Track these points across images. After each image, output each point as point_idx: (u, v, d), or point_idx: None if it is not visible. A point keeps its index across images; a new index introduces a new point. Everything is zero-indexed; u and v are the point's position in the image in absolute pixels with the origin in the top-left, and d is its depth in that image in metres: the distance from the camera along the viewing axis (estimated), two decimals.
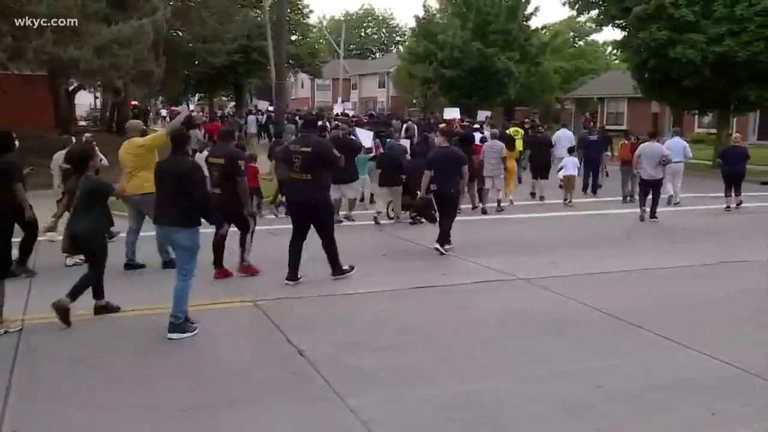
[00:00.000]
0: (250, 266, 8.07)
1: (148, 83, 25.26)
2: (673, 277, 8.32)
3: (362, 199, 13.37)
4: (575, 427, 4.33)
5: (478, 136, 15.40)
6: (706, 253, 9.54)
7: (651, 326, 6.15)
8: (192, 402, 4.64)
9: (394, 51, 72.54)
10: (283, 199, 11.13)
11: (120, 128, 27.96)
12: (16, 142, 7.61)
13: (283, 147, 9.31)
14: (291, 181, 7.84)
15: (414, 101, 50.07)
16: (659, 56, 21.32)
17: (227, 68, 33.33)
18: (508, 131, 17.31)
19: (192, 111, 43.44)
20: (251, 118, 29.64)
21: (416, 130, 18.22)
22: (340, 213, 11.74)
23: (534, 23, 39.23)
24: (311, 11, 67.08)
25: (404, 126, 20.50)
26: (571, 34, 61.02)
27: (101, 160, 8.78)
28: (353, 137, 12.88)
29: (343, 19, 78.29)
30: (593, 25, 32.33)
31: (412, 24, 41.68)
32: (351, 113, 32.83)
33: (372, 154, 13.24)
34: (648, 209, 12.43)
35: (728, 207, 14.00)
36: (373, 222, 11.82)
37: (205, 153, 11.12)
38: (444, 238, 9.43)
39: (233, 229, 7.54)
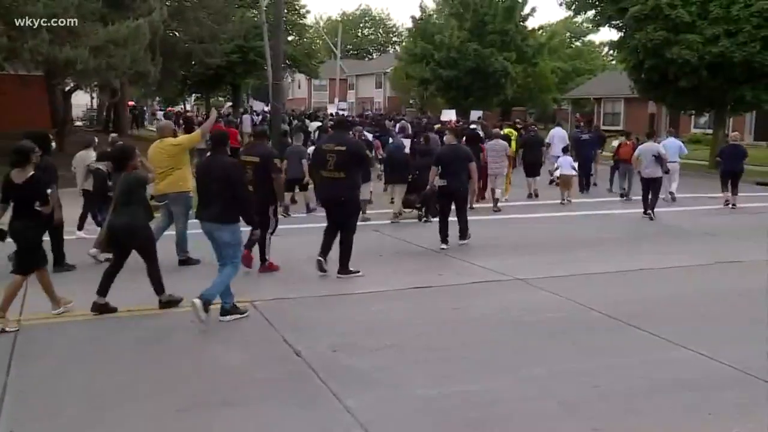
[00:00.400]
0: (271, 264, 8.26)
1: (144, 84, 25.22)
2: (671, 277, 8.33)
3: (371, 201, 13.48)
4: (572, 427, 4.34)
5: None
6: (704, 253, 9.56)
7: (648, 326, 6.16)
8: (190, 402, 4.64)
9: (391, 51, 72.55)
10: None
11: (116, 128, 27.97)
12: (53, 144, 7.74)
13: (316, 146, 9.63)
14: (323, 179, 8.03)
15: (411, 102, 50.10)
16: (656, 57, 21.37)
17: (224, 69, 33.27)
18: (502, 131, 17.40)
19: (188, 112, 43.45)
20: (246, 117, 29.72)
21: (410, 129, 18.41)
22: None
23: (531, 24, 39.39)
24: (308, 11, 67.04)
25: (398, 126, 20.57)
26: (568, 34, 61.12)
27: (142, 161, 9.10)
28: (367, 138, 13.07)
29: (339, 19, 78.36)
30: (590, 26, 32.46)
31: (409, 24, 41.70)
32: (345, 113, 32.83)
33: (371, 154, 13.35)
34: (651, 209, 12.76)
35: (727, 202, 14.20)
36: (369, 222, 11.85)
37: None
38: (464, 233, 9.89)
39: (246, 228, 7.65)
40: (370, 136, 13.82)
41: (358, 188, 8.26)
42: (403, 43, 56.84)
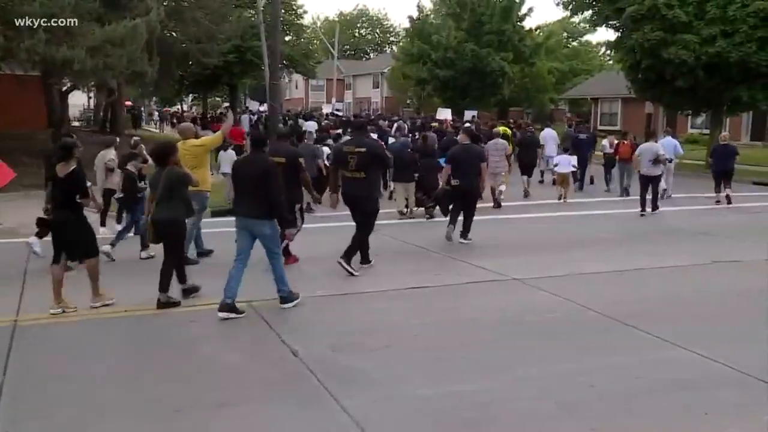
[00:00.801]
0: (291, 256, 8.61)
1: (141, 84, 25.15)
2: (668, 277, 8.34)
3: None
4: (570, 427, 4.34)
5: None
6: (701, 253, 9.57)
7: (645, 326, 6.17)
8: (187, 402, 4.63)
9: (389, 51, 72.50)
10: None
11: (113, 129, 27.93)
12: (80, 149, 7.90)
13: (337, 148, 9.96)
14: (345, 179, 8.32)
15: (408, 102, 50.09)
16: (652, 57, 21.39)
17: (221, 69, 33.25)
18: (497, 130, 17.57)
19: (184, 112, 43.41)
20: (244, 117, 29.81)
21: (406, 129, 18.60)
22: None
23: (528, 24, 39.38)
24: (305, 12, 67.01)
25: (395, 126, 20.60)
26: (565, 34, 61.19)
27: (147, 161, 9.42)
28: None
29: (337, 19, 78.35)
30: (587, 26, 32.48)
31: (406, 24, 41.61)
32: (340, 113, 32.83)
33: None
34: (648, 208, 13.10)
35: (718, 202, 14.70)
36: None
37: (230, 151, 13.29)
38: (467, 231, 10.10)
39: None
40: (374, 137, 13.86)
41: (377, 188, 8.64)
42: (401, 43, 56.89)
